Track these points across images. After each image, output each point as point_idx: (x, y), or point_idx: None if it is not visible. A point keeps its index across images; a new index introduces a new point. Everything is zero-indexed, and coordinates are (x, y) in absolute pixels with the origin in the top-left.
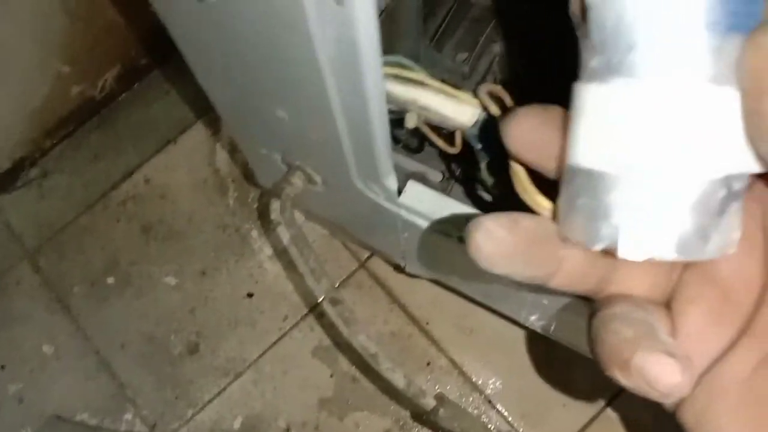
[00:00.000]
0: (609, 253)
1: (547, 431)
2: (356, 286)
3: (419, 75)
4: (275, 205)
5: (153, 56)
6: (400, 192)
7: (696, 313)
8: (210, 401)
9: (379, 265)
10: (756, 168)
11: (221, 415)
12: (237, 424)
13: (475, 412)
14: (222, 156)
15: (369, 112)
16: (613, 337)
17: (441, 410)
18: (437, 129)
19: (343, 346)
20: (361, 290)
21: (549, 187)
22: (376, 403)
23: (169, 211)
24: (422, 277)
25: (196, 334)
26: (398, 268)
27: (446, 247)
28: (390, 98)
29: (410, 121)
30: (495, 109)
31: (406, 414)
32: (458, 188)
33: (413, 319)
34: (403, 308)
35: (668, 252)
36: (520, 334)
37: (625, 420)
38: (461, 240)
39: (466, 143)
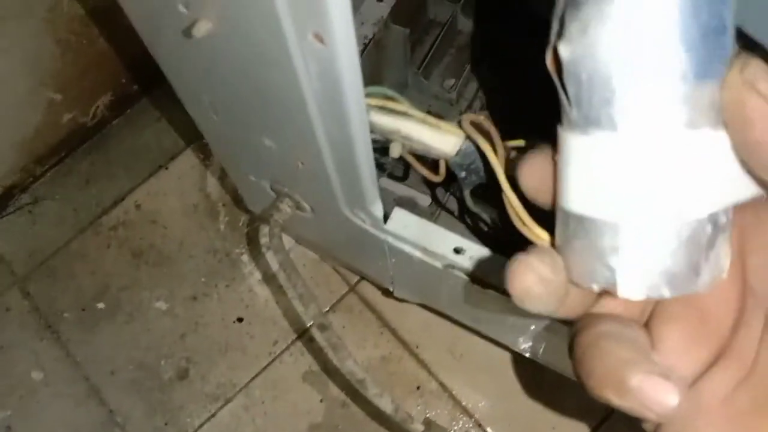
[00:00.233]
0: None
1: None
2: (346, 310)
3: (403, 106)
4: (264, 231)
5: (144, 83)
6: (386, 218)
7: (675, 332)
8: (200, 427)
9: (369, 290)
10: (741, 197)
11: None
12: None
13: None
14: (212, 181)
15: (353, 143)
16: (606, 357)
17: None
18: (422, 158)
19: (332, 371)
20: (351, 314)
21: (540, 212)
22: (366, 429)
23: (160, 236)
24: (410, 302)
25: (186, 360)
26: (387, 293)
27: (435, 274)
28: (374, 128)
29: (395, 151)
30: (481, 140)
31: None
32: (446, 213)
33: (403, 343)
34: (394, 332)
35: (664, 290)
36: (509, 358)
37: None
38: (447, 267)
39: (450, 171)
